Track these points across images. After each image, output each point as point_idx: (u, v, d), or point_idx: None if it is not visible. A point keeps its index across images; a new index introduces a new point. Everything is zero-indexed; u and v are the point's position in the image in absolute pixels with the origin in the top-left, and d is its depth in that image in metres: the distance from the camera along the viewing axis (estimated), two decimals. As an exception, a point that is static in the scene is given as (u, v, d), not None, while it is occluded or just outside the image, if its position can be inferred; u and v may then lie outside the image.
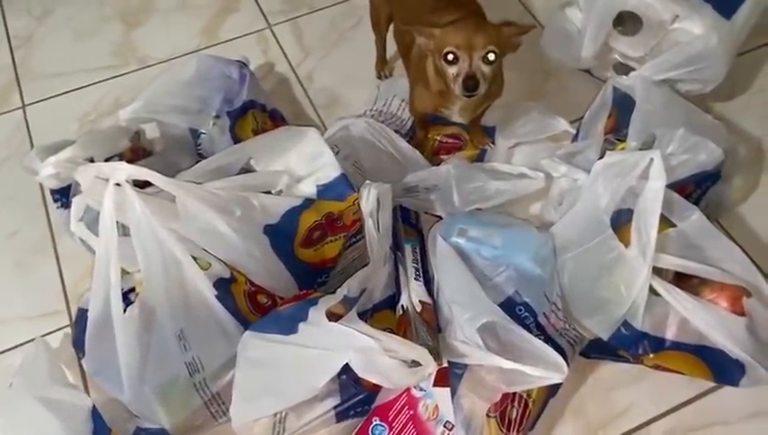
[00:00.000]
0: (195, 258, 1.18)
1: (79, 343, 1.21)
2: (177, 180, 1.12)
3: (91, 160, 1.26)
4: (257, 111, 1.61)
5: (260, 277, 1.25)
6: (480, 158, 1.69)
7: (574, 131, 1.64)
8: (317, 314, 1.11)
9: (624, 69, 1.76)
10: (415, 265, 1.37)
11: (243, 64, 1.69)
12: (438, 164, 1.68)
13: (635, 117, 1.46)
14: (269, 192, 1.30)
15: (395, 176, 1.58)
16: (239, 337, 1.20)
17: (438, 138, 1.73)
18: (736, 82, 1.76)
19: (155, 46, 1.98)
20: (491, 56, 1.32)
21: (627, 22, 1.65)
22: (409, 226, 1.51)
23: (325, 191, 1.32)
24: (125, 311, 1.12)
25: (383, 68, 1.88)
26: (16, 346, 1.44)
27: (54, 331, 1.46)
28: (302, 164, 1.34)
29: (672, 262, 1.25)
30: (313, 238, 1.30)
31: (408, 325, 1.22)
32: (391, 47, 1.78)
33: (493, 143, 1.70)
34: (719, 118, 1.72)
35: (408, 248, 1.41)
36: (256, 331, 1.16)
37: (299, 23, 2.04)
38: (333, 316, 1.15)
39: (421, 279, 1.33)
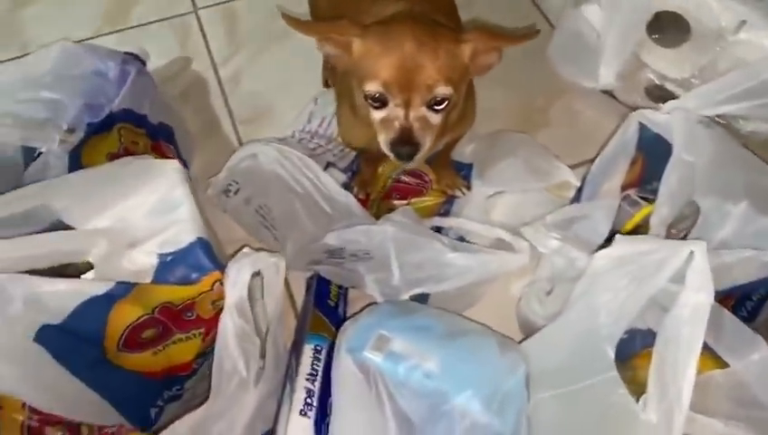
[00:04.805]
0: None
1: None
2: None
3: None
4: (129, 126, 1.13)
5: (46, 403, 0.78)
6: (446, 208, 1.20)
7: (578, 183, 1.13)
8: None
9: (660, 94, 1.25)
10: (309, 382, 0.89)
11: (131, 58, 1.22)
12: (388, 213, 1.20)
13: (670, 171, 0.96)
14: (77, 268, 0.82)
15: (315, 229, 1.10)
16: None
17: (393, 176, 1.25)
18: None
19: (45, 28, 1.52)
20: (441, 101, 0.84)
21: (667, 28, 1.15)
22: (323, 311, 1.02)
23: (172, 264, 0.84)
24: None
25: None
26: None
27: None
28: (142, 219, 0.86)
29: (716, 430, 0.75)
30: (143, 339, 0.83)
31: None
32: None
33: (468, 188, 1.21)
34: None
35: (307, 351, 0.93)
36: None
37: (234, 7, 1.57)
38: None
39: (312, 414, 0.85)
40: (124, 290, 0.77)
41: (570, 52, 1.29)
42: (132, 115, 1.16)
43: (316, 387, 0.88)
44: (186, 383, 0.92)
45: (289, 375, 0.91)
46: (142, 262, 0.84)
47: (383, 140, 0.85)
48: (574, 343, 0.80)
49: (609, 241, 0.93)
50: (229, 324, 0.80)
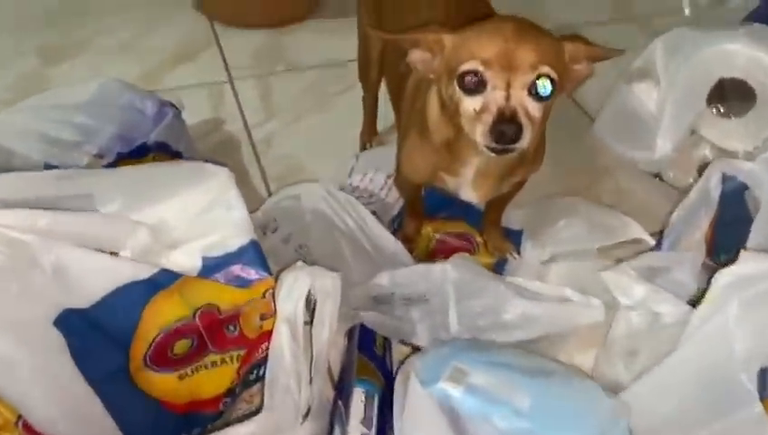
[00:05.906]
0: None
1: None
2: None
3: None
4: (164, 156, 1.06)
5: (49, 415, 0.62)
6: (496, 272, 1.10)
7: (652, 242, 1.05)
8: None
9: (716, 173, 1.21)
10: (364, 426, 0.73)
11: (168, 105, 1.18)
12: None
13: (760, 223, 0.88)
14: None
15: (359, 274, 0.98)
16: None
17: (438, 236, 1.15)
18: None
19: (73, 81, 1.48)
20: (545, 85, 0.74)
21: (730, 96, 1.13)
22: (370, 358, 0.88)
23: (217, 267, 0.72)
24: None
25: (371, 139, 1.35)
26: None
27: None
28: (187, 218, 0.75)
29: None
30: (174, 353, 0.68)
31: None
32: (385, 112, 1.27)
33: (518, 253, 1.12)
34: None
35: (357, 395, 0.78)
36: None
37: (269, 80, 1.55)
38: None
39: (370, 459, 0.69)
40: (168, 279, 0.64)
41: (620, 127, 1.27)
42: (168, 148, 1.11)
43: (372, 433, 0.73)
44: (207, 427, 0.76)
45: (337, 419, 0.75)
46: (184, 263, 0.71)
47: (480, 131, 0.74)
48: (697, 380, 0.67)
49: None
50: (285, 335, 0.67)
